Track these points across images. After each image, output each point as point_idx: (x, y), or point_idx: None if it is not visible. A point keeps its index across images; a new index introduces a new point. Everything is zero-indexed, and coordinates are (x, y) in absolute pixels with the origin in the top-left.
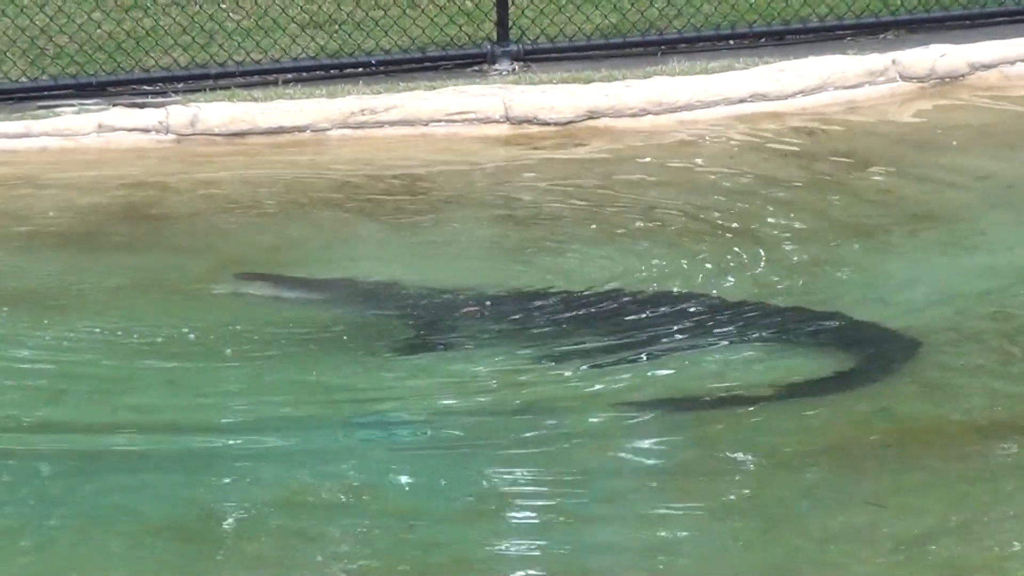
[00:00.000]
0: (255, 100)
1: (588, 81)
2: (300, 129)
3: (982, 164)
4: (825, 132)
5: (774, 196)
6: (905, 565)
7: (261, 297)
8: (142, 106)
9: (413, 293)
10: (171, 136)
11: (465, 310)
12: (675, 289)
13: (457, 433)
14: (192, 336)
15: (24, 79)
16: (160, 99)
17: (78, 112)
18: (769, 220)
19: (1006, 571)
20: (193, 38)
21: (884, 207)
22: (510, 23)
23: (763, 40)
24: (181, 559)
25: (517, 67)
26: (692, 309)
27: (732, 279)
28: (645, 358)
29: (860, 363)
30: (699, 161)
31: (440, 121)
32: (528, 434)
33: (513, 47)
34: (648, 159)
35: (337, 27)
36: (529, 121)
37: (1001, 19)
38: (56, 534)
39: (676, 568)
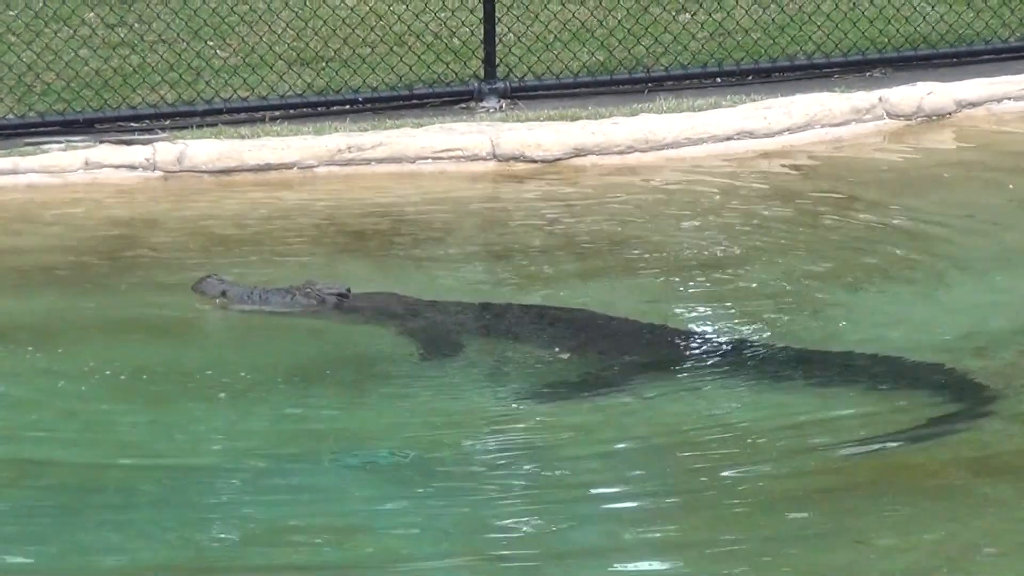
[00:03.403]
0: (242, 137)
1: (575, 118)
2: (287, 166)
3: (967, 201)
4: (812, 169)
5: (760, 233)
6: None
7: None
8: (129, 143)
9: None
10: (158, 173)
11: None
12: (665, 325)
13: (445, 470)
14: (178, 373)
15: (11, 116)
16: (147, 136)
17: (65, 149)
18: (756, 258)
19: None
20: (180, 75)
21: (871, 244)
22: (497, 61)
23: (750, 77)
24: None
25: (504, 104)
26: (679, 346)
27: (721, 317)
28: (635, 396)
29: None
30: (686, 199)
31: (427, 158)
32: (518, 471)
33: (500, 84)
34: (635, 196)
35: (324, 64)
36: (516, 158)
37: (988, 57)
38: (45, 573)
39: None
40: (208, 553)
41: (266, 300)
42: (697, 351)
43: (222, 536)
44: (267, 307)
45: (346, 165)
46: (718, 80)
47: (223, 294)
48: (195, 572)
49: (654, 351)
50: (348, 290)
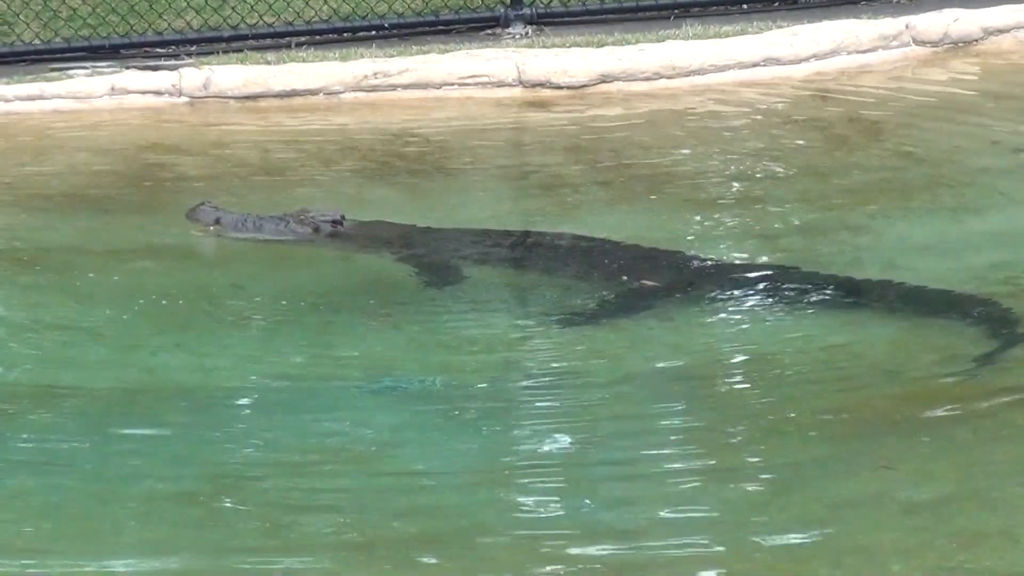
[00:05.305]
0: (268, 63)
1: (601, 45)
2: (313, 92)
3: (994, 128)
4: (838, 96)
5: (787, 160)
6: (917, 531)
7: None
8: (155, 69)
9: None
10: (184, 99)
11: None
12: (688, 252)
13: (467, 394)
14: (205, 298)
15: (37, 41)
16: (173, 62)
17: (91, 75)
18: (783, 185)
19: (1020, 537)
20: (206, 1)
21: (897, 171)
22: None
23: (777, 4)
24: (192, 524)
25: (530, 31)
26: (706, 272)
27: (747, 244)
28: (659, 321)
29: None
30: (712, 125)
31: (453, 84)
32: (540, 396)
33: (526, 11)
34: (661, 123)
35: None
36: (542, 85)
37: None
38: (68, 498)
39: (686, 528)
40: (233, 478)
41: (260, 227)
42: (722, 277)
43: (248, 462)
44: (261, 234)
45: (372, 91)
46: (744, 7)
47: (217, 221)
48: (216, 499)
49: (678, 276)
50: (343, 217)
